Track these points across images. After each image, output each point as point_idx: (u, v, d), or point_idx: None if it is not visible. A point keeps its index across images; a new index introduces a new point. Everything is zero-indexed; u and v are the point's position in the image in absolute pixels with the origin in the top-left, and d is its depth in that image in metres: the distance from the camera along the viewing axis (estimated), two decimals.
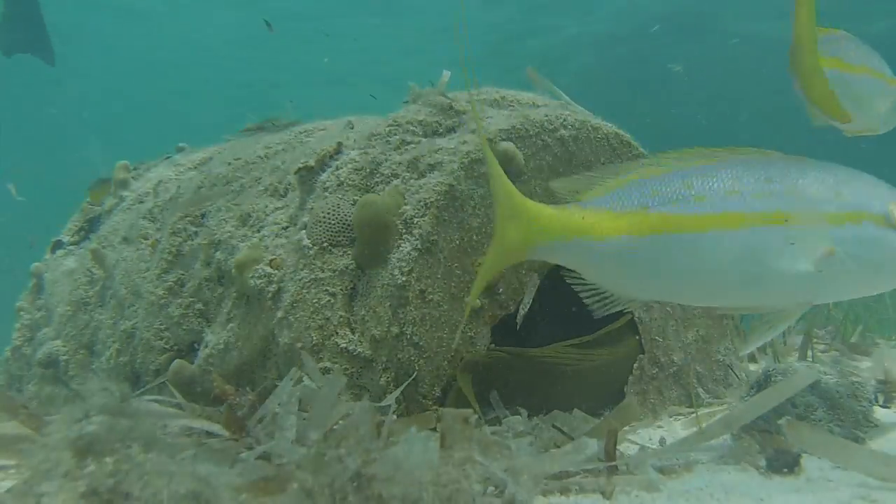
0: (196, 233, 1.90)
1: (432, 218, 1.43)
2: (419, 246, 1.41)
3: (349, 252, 1.51)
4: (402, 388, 1.34)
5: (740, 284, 1.06)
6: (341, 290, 1.48)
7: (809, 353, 2.23)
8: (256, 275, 1.60)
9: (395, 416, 1.23)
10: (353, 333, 1.45)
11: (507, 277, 1.49)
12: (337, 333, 1.44)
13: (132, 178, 2.52)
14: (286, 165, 1.82)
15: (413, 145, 1.60)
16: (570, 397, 1.47)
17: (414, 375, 1.37)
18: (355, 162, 1.59)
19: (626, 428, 1.40)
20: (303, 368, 1.36)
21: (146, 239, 2.08)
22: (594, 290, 1.14)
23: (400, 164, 1.55)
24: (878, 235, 1.03)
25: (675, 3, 9.71)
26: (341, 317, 1.46)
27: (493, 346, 1.46)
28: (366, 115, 1.95)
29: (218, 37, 12.06)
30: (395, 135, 1.63)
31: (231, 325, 1.66)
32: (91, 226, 2.55)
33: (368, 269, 1.48)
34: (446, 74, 1.73)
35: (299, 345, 1.45)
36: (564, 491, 1.02)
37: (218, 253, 1.78)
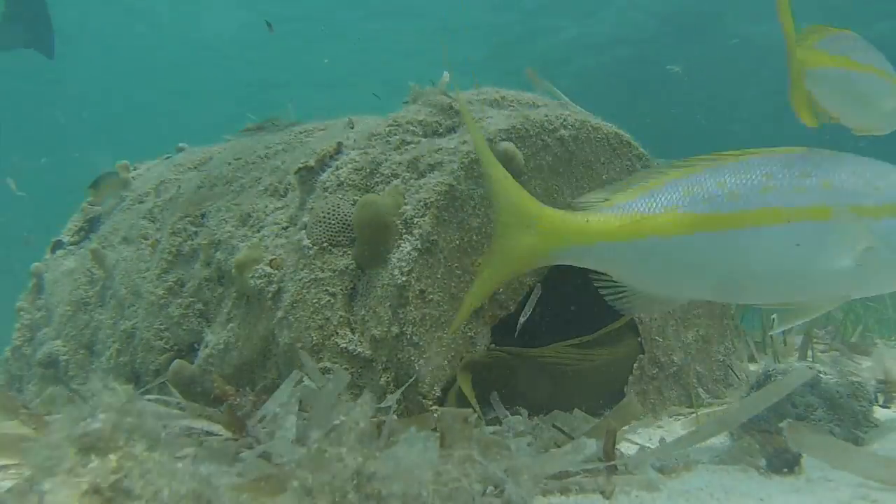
0: (196, 233, 1.90)
1: (432, 218, 1.43)
2: (419, 246, 1.41)
3: (349, 252, 1.51)
4: (402, 389, 1.34)
5: (778, 280, 1.06)
6: (341, 290, 1.48)
7: (809, 353, 2.23)
8: (256, 275, 1.60)
9: (395, 416, 1.23)
10: (353, 333, 1.45)
11: None
12: (337, 333, 1.44)
13: (132, 178, 2.53)
14: (286, 165, 1.82)
15: (413, 145, 1.60)
16: (570, 397, 1.47)
17: (413, 379, 1.37)
18: (355, 162, 1.59)
19: (627, 428, 1.39)
20: (302, 368, 1.36)
21: (146, 239, 2.09)
22: (625, 291, 1.13)
23: (400, 164, 1.55)
24: None
25: (675, 4, 9.72)
26: (341, 317, 1.46)
27: (493, 346, 1.46)
28: (366, 115, 1.95)
29: (219, 37, 12.07)
30: (395, 135, 1.63)
31: (231, 325, 1.66)
32: (91, 226, 2.55)
33: (368, 269, 1.48)
34: (447, 75, 1.73)
35: (299, 345, 1.45)
36: (564, 491, 1.02)
37: (218, 253, 1.78)
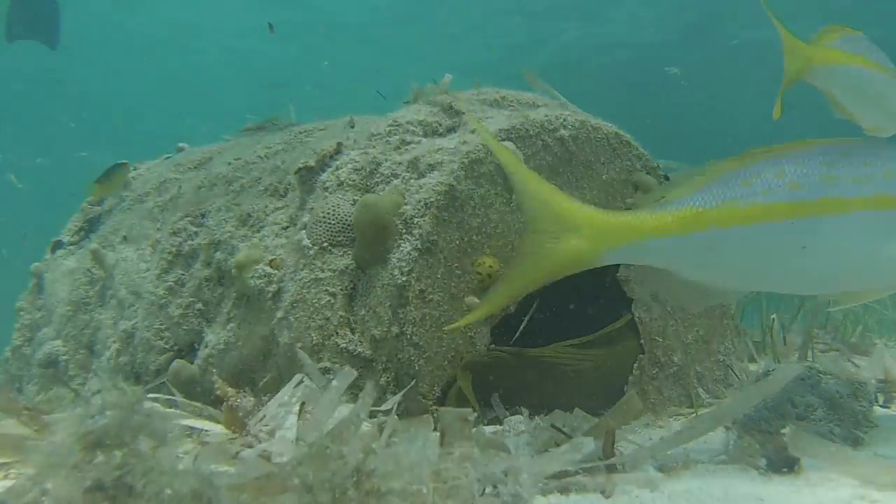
0: (196, 233, 1.91)
1: (432, 218, 1.43)
2: (419, 246, 1.41)
3: (349, 252, 1.51)
4: (404, 392, 1.34)
5: (840, 270, 1.05)
6: (341, 290, 1.48)
7: (809, 353, 2.23)
8: (256, 275, 1.60)
9: (395, 416, 1.24)
10: (353, 333, 1.45)
11: None
12: (337, 333, 1.44)
13: (132, 178, 2.53)
14: (286, 165, 1.82)
15: (413, 145, 1.60)
16: (570, 397, 1.47)
17: (414, 382, 1.37)
18: (355, 162, 1.59)
19: (627, 427, 1.39)
20: (302, 368, 1.36)
21: (146, 239, 2.09)
22: (685, 286, 1.13)
23: (400, 164, 1.55)
24: None
25: (678, 7, 9.73)
26: (341, 317, 1.46)
27: (493, 346, 1.46)
28: (366, 114, 1.96)
29: (219, 36, 12.07)
30: (395, 135, 1.63)
31: (231, 325, 1.66)
32: (91, 226, 2.55)
33: (368, 269, 1.48)
34: (448, 77, 1.73)
35: (299, 345, 1.45)
36: (564, 490, 1.02)
37: (218, 253, 1.78)
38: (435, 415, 1.30)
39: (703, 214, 1.07)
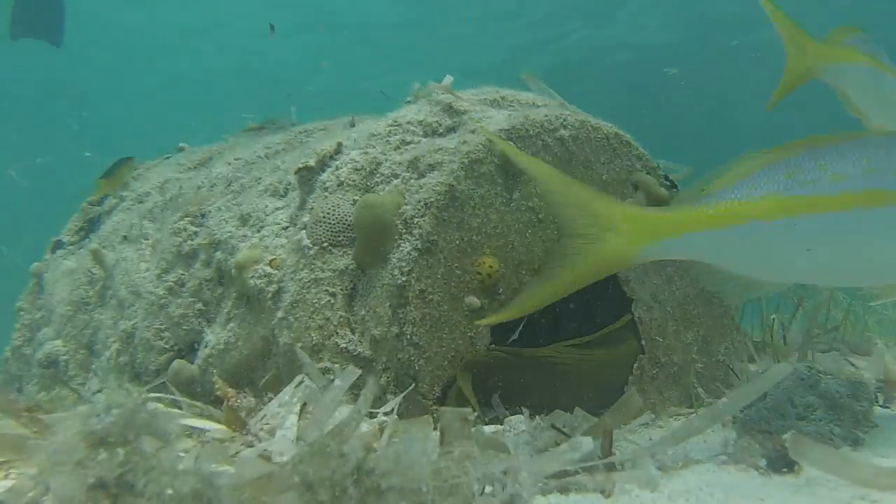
0: (196, 233, 1.91)
1: (432, 218, 1.43)
2: (419, 246, 1.41)
3: (349, 252, 1.51)
4: (404, 394, 1.34)
5: (884, 262, 1.05)
6: (341, 290, 1.48)
7: (809, 353, 2.23)
8: (256, 275, 1.60)
9: (396, 416, 1.24)
10: (353, 333, 1.45)
11: (508, 277, 1.49)
12: (337, 333, 1.44)
13: (133, 178, 2.53)
14: (286, 165, 1.82)
15: (413, 145, 1.60)
16: (570, 397, 1.47)
17: (414, 385, 1.37)
18: (355, 162, 1.59)
19: (627, 427, 1.39)
20: (302, 368, 1.36)
21: (146, 239, 2.09)
22: (727, 279, 1.13)
23: (400, 163, 1.55)
24: None
25: (678, 9, 9.75)
26: (341, 317, 1.46)
27: (493, 346, 1.46)
28: (366, 114, 1.96)
29: (220, 37, 12.07)
30: (395, 135, 1.63)
31: (231, 325, 1.66)
32: (91, 226, 2.55)
33: (368, 269, 1.48)
34: (449, 78, 1.73)
35: (299, 345, 1.45)
36: (563, 490, 1.02)
37: (218, 253, 1.78)
38: (435, 415, 1.30)
39: (744, 207, 1.07)
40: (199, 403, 1.50)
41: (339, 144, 1.67)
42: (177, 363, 1.70)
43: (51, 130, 14.37)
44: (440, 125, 1.65)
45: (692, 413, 1.61)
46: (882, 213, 1.03)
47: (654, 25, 10.14)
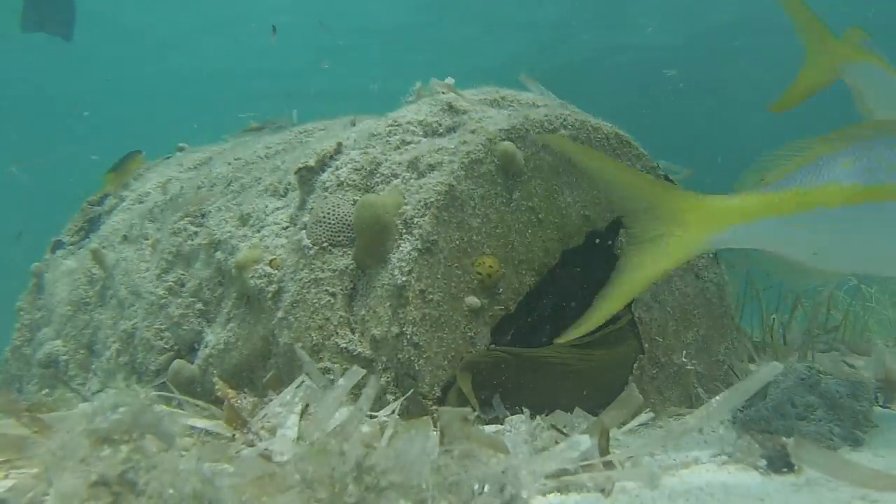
0: (196, 233, 1.91)
1: (432, 218, 1.43)
2: (419, 246, 1.41)
3: (349, 252, 1.51)
4: (405, 397, 1.34)
5: None
6: (341, 290, 1.48)
7: (809, 353, 2.23)
8: (256, 275, 1.60)
9: (396, 416, 1.24)
10: (353, 333, 1.45)
11: (508, 277, 1.49)
12: (337, 333, 1.44)
13: (133, 178, 2.53)
14: (286, 165, 1.82)
15: (413, 145, 1.60)
16: (570, 397, 1.47)
17: (414, 388, 1.37)
18: (355, 162, 1.59)
19: (627, 427, 1.39)
20: (302, 368, 1.36)
21: (146, 239, 2.09)
22: (789, 266, 1.11)
23: (400, 163, 1.55)
24: None
25: (679, 11, 9.76)
26: (341, 317, 1.46)
27: (493, 346, 1.46)
28: (366, 115, 1.96)
29: (220, 37, 12.07)
30: (395, 134, 1.64)
31: (231, 325, 1.66)
32: (91, 226, 2.55)
33: (368, 269, 1.48)
34: (450, 80, 1.73)
35: (299, 345, 1.45)
36: (563, 489, 1.02)
37: (218, 253, 1.78)
38: (435, 415, 1.30)
39: (810, 194, 1.05)
40: (200, 402, 1.50)
41: (339, 144, 1.67)
42: (177, 363, 1.70)
43: (51, 130, 14.37)
44: (440, 125, 1.65)
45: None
46: None
47: (656, 28, 10.16)
